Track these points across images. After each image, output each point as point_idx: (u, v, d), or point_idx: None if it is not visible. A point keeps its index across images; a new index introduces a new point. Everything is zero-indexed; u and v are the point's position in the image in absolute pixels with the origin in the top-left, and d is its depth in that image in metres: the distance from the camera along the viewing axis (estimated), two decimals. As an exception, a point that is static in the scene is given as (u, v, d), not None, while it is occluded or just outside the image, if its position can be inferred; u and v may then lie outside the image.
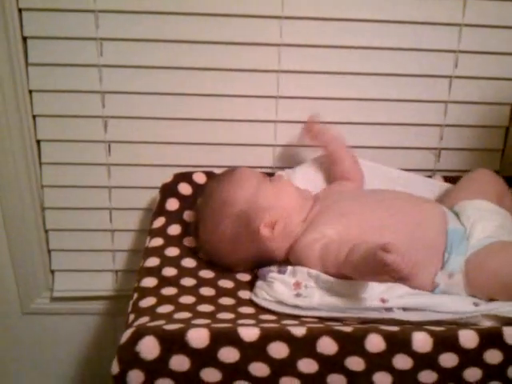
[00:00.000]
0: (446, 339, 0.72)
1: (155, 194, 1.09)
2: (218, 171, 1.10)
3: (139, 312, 0.79)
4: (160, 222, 1.01)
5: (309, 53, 1.09)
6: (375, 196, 0.97)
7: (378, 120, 1.15)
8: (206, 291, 0.87)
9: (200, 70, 1.09)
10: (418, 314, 0.79)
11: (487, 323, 0.78)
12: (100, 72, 1.08)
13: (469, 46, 1.10)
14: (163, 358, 0.69)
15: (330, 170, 1.08)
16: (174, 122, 1.13)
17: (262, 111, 1.13)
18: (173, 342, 0.69)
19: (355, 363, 0.71)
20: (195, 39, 1.07)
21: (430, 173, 1.19)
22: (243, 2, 1.05)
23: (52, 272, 1.25)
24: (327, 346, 0.71)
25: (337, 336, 0.71)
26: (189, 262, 0.94)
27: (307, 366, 0.71)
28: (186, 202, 1.05)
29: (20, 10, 1.03)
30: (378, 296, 0.79)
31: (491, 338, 0.73)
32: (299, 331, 0.71)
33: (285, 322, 0.77)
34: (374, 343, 0.71)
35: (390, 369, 0.72)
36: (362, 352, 0.71)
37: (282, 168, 1.15)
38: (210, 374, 0.70)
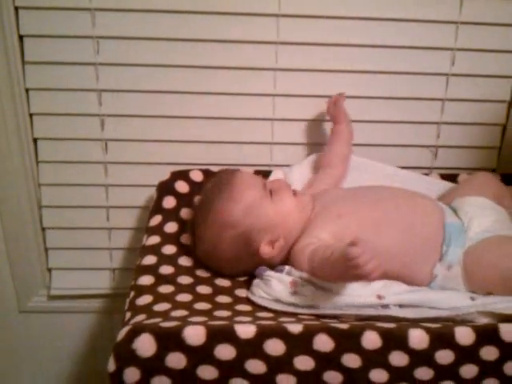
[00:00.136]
0: (442, 336, 0.72)
1: (152, 192, 1.09)
2: (215, 169, 1.10)
3: (136, 310, 0.79)
4: (157, 219, 1.01)
5: (306, 51, 1.09)
6: (372, 194, 0.97)
7: (375, 118, 1.16)
8: (203, 289, 0.87)
9: (197, 68, 1.09)
10: (415, 310, 0.79)
11: (483, 320, 0.78)
12: (96, 70, 1.08)
13: (466, 44, 1.11)
14: (159, 356, 0.69)
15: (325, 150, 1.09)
16: (171, 119, 1.13)
17: (260, 109, 1.13)
18: (169, 340, 0.69)
19: (351, 360, 0.71)
20: (192, 37, 1.07)
21: (428, 170, 1.19)
22: (240, 0, 1.05)
23: (49, 270, 1.25)
24: (323, 343, 0.71)
25: (333, 333, 0.71)
26: (186, 261, 0.94)
27: (304, 363, 0.71)
28: (182, 199, 1.05)
29: (16, 9, 1.03)
30: (375, 293, 0.79)
31: (487, 334, 0.73)
32: (296, 328, 0.71)
33: (281, 319, 0.77)
34: (371, 340, 0.71)
35: (387, 366, 0.72)
36: (358, 349, 0.71)
37: (278, 166, 1.15)
38: (207, 371, 0.70)
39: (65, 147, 1.14)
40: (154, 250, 0.94)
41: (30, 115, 1.11)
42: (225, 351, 0.70)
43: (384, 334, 0.71)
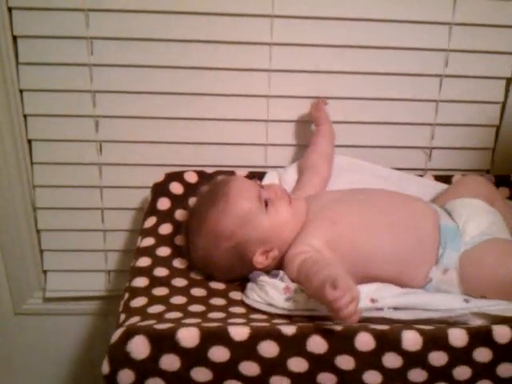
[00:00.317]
0: (435, 338, 0.73)
1: (147, 194, 1.09)
2: (209, 170, 1.10)
3: (130, 312, 0.79)
4: (151, 221, 1.01)
5: (300, 52, 1.09)
6: (365, 198, 0.96)
7: (369, 119, 1.16)
8: (198, 292, 0.87)
9: (191, 70, 1.09)
10: (409, 312, 0.79)
11: (477, 322, 0.78)
12: (91, 71, 1.08)
13: (459, 45, 1.11)
14: (153, 358, 0.69)
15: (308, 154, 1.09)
16: (166, 121, 1.13)
17: (254, 110, 1.13)
18: (163, 342, 0.69)
19: (345, 362, 0.72)
20: (187, 38, 1.07)
21: (422, 172, 1.19)
22: (234, 1, 1.05)
23: (44, 272, 1.25)
24: (317, 344, 0.71)
25: (327, 334, 0.71)
26: (180, 262, 0.94)
27: (297, 364, 0.71)
28: (177, 201, 1.05)
29: (10, 9, 1.02)
30: (368, 296, 0.79)
31: (481, 336, 0.73)
32: (289, 330, 0.71)
33: (275, 321, 0.77)
34: (364, 342, 0.72)
35: (380, 367, 0.72)
36: (351, 351, 0.71)
37: (273, 167, 1.15)
38: (201, 373, 0.70)
39: (59, 148, 1.13)
40: (149, 251, 0.94)
41: (24, 116, 1.11)
42: (219, 353, 0.70)
43: (377, 336, 0.72)
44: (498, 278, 0.83)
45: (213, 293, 0.88)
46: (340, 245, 0.88)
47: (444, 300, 0.81)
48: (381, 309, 0.79)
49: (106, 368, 0.69)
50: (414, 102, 1.15)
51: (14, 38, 1.05)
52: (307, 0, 1.05)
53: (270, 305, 0.82)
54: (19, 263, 1.22)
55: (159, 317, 0.77)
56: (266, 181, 1.09)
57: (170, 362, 0.69)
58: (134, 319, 0.76)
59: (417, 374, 0.73)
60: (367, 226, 0.90)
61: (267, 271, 0.90)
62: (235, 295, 0.88)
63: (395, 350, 0.72)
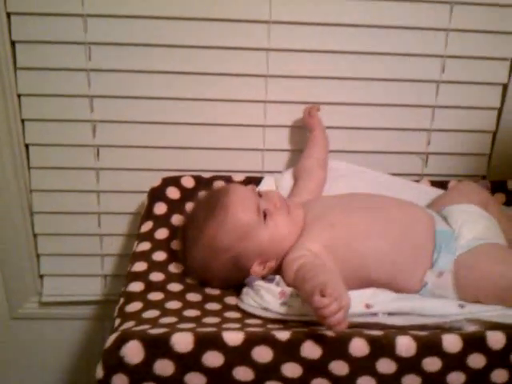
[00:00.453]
0: (429, 343, 0.73)
1: (144, 198, 1.09)
2: (206, 175, 1.10)
3: (125, 317, 0.79)
4: (148, 226, 1.01)
5: (297, 57, 1.10)
6: (362, 203, 0.97)
7: (365, 125, 1.16)
8: (193, 297, 0.87)
9: (189, 75, 1.10)
10: (403, 318, 0.79)
11: (471, 327, 0.78)
12: (88, 76, 1.08)
13: (456, 51, 1.11)
14: (147, 363, 0.69)
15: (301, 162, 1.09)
16: (163, 126, 1.13)
17: (251, 116, 1.14)
18: (157, 347, 0.69)
19: (339, 367, 0.71)
20: (184, 44, 1.07)
21: (418, 177, 1.19)
22: (231, 6, 1.05)
23: (41, 276, 1.25)
24: (311, 350, 0.71)
25: (321, 340, 0.71)
26: (176, 267, 0.94)
27: (291, 370, 0.71)
28: (174, 206, 1.05)
29: (8, 14, 1.03)
30: (363, 301, 0.79)
31: (475, 342, 0.73)
32: (283, 335, 0.71)
33: (270, 326, 0.77)
34: (358, 347, 0.71)
35: (374, 373, 0.72)
36: (345, 356, 0.71)
37: (270, 172, 1.15)
38: (195, 378, 0.70)
39: (56, 153, 1.14)
40: (145, 256, 0.95)
41: (22, 121, 1.11)
42: (213, 358, 0.70)
43: (371, 342, 0.72)
44: (492, 282, 0.83)
45: (208, 298, 0.88)
46: (337, 248, 0.88)
47: (439, 305, 0.81)
48: (375, 314, 0.79)
49: (100, 372, 0.69)
50: (411, 107, 1.15)
51: (13, 43, 1.05)
52: (304, 6, 1.06)
53: (265, 309, 0.82)
54: (16, 267, 1.22)
55: (154, 322, 0.77)
56: (262, 186, 1.09)
57: (164, 367, 0.69)
58: (129, 324, 0.76)
59: (411, 380, 0.72)
60: (364, 230, 0.91)
61: (263, 276, 0.90)
62: (230, 300, 0.88)
63: (389, 355, 0.72)
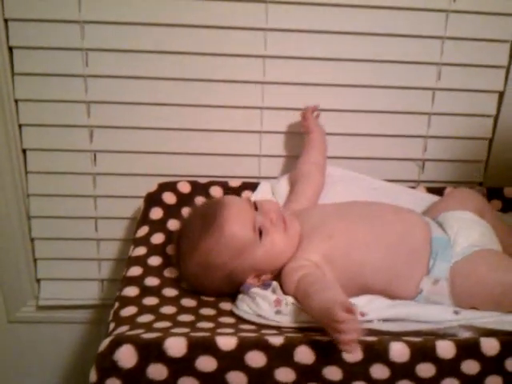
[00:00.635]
0: (423, 349, 0.73)
1: (140, 203, 1.09)
2: (203, 181, 1.11)
3: (119, 321, 0.79)
4: (144, 230, 1.01)
5: (293, 64, 1.10)
6: (360, 211, 0.96)
7: (362, 131, 1.17)
8: (188, 302, 0.88)
9: (186, 81, 1.10)
10: (398, 324, 0.79)
11: (465, 334, 0.78)
12: (85, 82, 1.09)
13: (452, 59, 1.12)
14: (141, 367, 0.69)
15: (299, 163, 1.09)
16: (159, 131, 1.14)
17: (248, 122, 1.14)
18: (150, 351, 0.69)
19: (332, 372, 0.72)
20: (181, 50, 1.08)
21: (414, 184, 1.19)
22: (228, 13, 1.06)
23: (38, 281, 1.26)
24: (305, 355, 0.71)
25: (314, 345, 0.72)
26: (171, 272, 0.94)
27: (285, 375, 0.71)
28: (170, 211, 1.05)
29: (6, 21, 1.04)
30: (358, 310, 0.79)
31: (468, 348, 0.73)
32: (277, 340, 0.71)
33: (263, 331, 0.77)
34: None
35: (368, 378, 0.72)
36: (339, 361, 0.71)
37: (266, 178, 1.15)
38: (188, 382, 0.70)
39: (54, 158, 1.14)
40: (140, 261, 0.95)
41: (20, 126, 1.12)
42: (206, 363, 0.70)
43: (365, 347, 0.72)
44: (487, 289, 0.84)
45: (203, 303, 0.88)
46: (335, 258, 0.89)
47: (434, 312, 0.82)
48: (370, 321, 0.79)
49: (93, 376, 0.70)
50: (407, 114, 1.16)
51: (10, 49, 1.06)
52: (301, 13, 1.07)
53: (260, 316, 0.82)
54: (13, 271, 1.22)
55: (148, 326, 0.77)
56: (258, 192, 1.09)
57: (157, 372, 0.69)
58: (123, 328, 0.76)
59: (404, 386, 0.73)
60: (362, 239, 0.91)
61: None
62: (225, 306, 0.88)
63: (383, 361, 0.72)
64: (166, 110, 1.12)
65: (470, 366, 0.73)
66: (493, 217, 1.03)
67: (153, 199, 1.06)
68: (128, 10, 1.04)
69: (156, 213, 1.04)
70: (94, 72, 1.08)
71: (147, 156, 1.15)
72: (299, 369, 0.71)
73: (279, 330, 0.79)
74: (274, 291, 0.86)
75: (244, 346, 0.71)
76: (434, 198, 1.11)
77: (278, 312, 0.82)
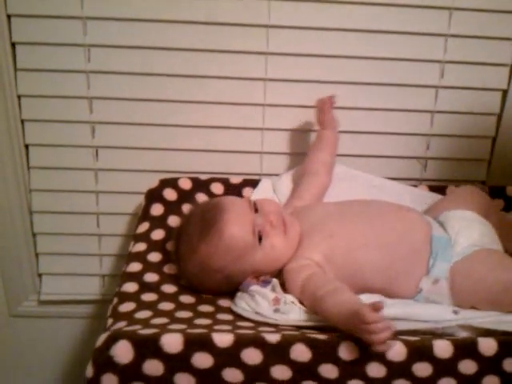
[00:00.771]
0: (420, 348, 0.73)
1: (142, 199, 1.09)
2: (204, 177, 1.11)
3: (117, 317, 0.79)
4: (144, 226, 1.02)
5: (296, 61, 1.10)
6: (360, 210, 0.96)
7: (364, 129, 1.16)
8: (186, 299, 0.88)
9: (188, 78, 1.10)
10: (396, 323, 0.78)
11: (463, 334, 0.78)
12: (88, 78, 1.09)
13: (455, 57, 1.11)
14: (137, 363, 0.69)
15: (309, 158, 1.08)
16: (161, 127, 1.14)
17: (250, 119, 1.14)
18: (146, 347, 0.70)
19: (329, 370, 0.71)
20: (183, 47, 1.08)
21: (417, 182, 1.19)
22: (230, 10, 1.06)
23: (39, 275, 1.26)
24: (301, 353, 0.71)
25: (310, 343, 0.71)
26: (170, 268, 0.94)
27: (281, 372, 0.71)
28: (170, 207, 1.05)
29: (9, 16, 1.04)
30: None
31: (466, 348, 0.73)
32: (273, 338, 0.71)
33: (260, 328, 0.77)
34: (348, 351, 0.71)
35: (364, 377, 0.72)
36: (335, 359, 0.71)
37: (268, 175, 1.15)
38: (184, 379, 0.70)
39: (56, 153, 1.14)
40: (140, 257, 0.95)
41: (22, 121, 1.12)
42: (202, 359, 0.70)
43: (362, 346, 0.71)
44: (487, 289, 0.83)
45: (201, 300, 0.88)
46: (335, 257, 0.89)
47: (433, 311, 0.81)
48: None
49: (89, 372, 0.70)
50: (410, 112, 1.15)
51: (13, 45, 1.06)
52: (303, 11, 1.06)
53: (258, 313, 0.82)
54: (15, 266, 1.22)
55: (146, 322, 0.77)
56: (259, 189, 1.09)
57: (153, 368, 0.69)
58: (121, 324, 0.76)
59: (401, 385, 0.72)
60: (362, 239, 0.90)
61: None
62: (224, 302, 0.89)
63: (379, 359, 0.72)
64: (167, 107, 1.12)
65: (468, 366, 0.73)
66: (496, 215, 1.02)
67: (154, 195, 1.07)
68: (130, 7, 1.04)
69: (157, 209, 1.05)
70: (96, 68, 1.08)
71: (149, 152, 1.15)
72: (295, 366, 0.71)
73: (277, 327, 0.79)
74: (273, 289, 0.87)
75: (240, 342, 0.71)
76: (436, 196, 1.11)
77: (276, 310, 0.82)
